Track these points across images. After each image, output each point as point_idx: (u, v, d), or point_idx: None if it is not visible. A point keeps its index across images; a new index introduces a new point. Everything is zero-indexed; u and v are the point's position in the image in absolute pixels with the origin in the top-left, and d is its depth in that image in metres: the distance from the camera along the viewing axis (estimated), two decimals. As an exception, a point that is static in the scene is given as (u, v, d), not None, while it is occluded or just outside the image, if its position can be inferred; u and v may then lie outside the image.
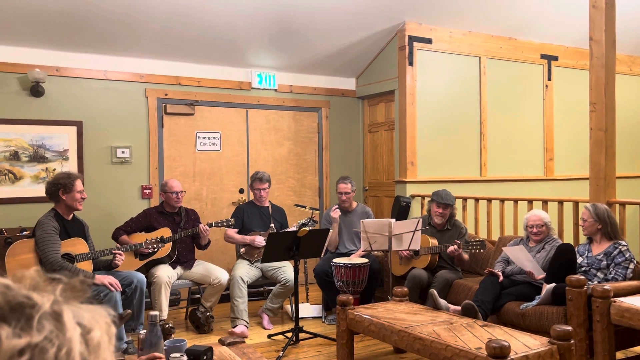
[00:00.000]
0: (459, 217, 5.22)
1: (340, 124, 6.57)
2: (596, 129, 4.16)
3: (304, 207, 5.02)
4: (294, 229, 4.64)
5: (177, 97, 5.61)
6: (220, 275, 4.50)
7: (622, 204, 4.18)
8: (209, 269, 4.56)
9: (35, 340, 0.43)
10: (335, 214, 4.86)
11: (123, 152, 5.33)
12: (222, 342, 2.85)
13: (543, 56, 6.67)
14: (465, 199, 5.49)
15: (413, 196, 5.73)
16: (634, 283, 3.56)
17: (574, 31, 6.37)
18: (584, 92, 5.47)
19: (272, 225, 4.88)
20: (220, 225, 4.61)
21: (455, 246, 4.28)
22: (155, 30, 5.03)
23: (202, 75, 5.74)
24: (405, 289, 3.89)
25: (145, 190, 5.45)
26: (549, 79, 6.73)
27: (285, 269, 4.62)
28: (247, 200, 5.62)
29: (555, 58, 6.75)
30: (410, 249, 4.35)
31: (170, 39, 5.20)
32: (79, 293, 0.49)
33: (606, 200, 4.09)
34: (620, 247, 3.69)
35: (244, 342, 2.88)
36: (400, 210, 5.61)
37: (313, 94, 6.37)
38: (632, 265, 3.65)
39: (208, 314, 4.50)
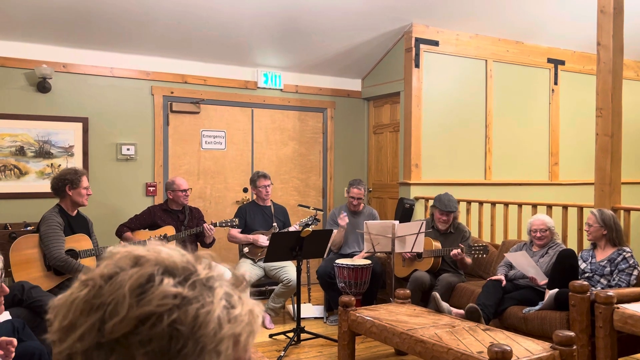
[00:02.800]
0: (462, 220, 5.22)
1: (345, 124, 6.57)
2: (602, 135, 4.15)
3: (308, 207, 5.02)
4: (296, 227, 4.65)
5: (183, 95, 5.62)
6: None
7: (627, 210, 4.17)
8: (211, 268, 4.56)
9: (185, 294, 0.59)
10: (343, 221, 4.83)
11: (128, 149, 5.34)
12: (224, 341, 2.85)
13: (550, 60, 6.66)
14: (469, 202, 5.48)
15: (417, 198, 5.72)
16: (638, 290, 3.54)
17: (581, 36, 6.35)
18: (590, 97, 5.46)
19: (274, 224, 4.88)
20: (224, 225, 4.62)
21: (459, 250, 4.27)
22: (162, 28, 5.04)
23: (208, 74, 5.75)
24: (408, 291, 3.89)
25: (149, 188, 5.46)
26: (556, 83, 6.72)
27: (287, 269, 4.62)
28: (250, 200, 5.62)
29: (562, 62, 6.74)
30: (413, 251, 4.34)
31: (177, 37, 5.21)
32: (239, 284, 0.65)
33: (611, 206, 4.08)
34: (625, 253, 3.67)
35: (245, 341, 2.88)
36: (404, 213, 5.60)
37: (318, 94, 6.38)
38: (635, 272, 3.63)
39: (210, 312, 4.50)
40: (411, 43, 5.72)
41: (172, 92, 5.56)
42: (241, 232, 4.83)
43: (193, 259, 0.64)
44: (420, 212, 5.70)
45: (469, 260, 4.42)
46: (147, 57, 5.44)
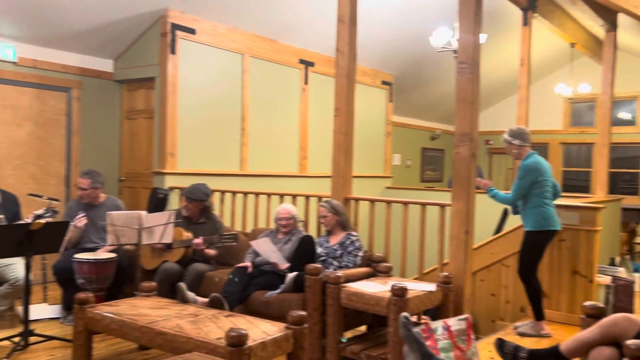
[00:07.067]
0: (217, 210, 5.27)
1: (94, 107, 6.06)
2: (338, 132, 4.60)
3: (41, 197, 4.44)
4: (29, 220, 4.12)
5: None
6: None
7: (357, 200, 4.70)
8: None
9: None
10: (80, 222, 4.42)
11: None
12: None
13: (302, 61, 7.15)
14: (223, 192, 5.56)
15: (172, 188, 5.60)
16: (362, 270, 4.03)
17: (327, 41, 6.93)
18: (332, 98, 6.02)
19: (1, 216, 4.25)
20: None
21: (200, 240, 4.30)
22: None
23: None
24: (154, 283, 3.77)
25: None
26: (306, 83, 7.24)
27: (15, 266, 4.08)
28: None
29: (312, 64, 7.30)
30: (162, 242, 4.23)
31: None
32: None
33: (344, 196, 4.55)
34: (352, 237, 4.14)
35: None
36: (158, 203, 5.44)
37: (62, 72, 5.75)
38: (360, 254, 4.12)
39: None
40: (167, 28, 5.55)
41: None
42: (-45, 226, 4.09)
43: None
44: (175, 203, 5.58)
45: (211, 252, 4.46)
46: None
